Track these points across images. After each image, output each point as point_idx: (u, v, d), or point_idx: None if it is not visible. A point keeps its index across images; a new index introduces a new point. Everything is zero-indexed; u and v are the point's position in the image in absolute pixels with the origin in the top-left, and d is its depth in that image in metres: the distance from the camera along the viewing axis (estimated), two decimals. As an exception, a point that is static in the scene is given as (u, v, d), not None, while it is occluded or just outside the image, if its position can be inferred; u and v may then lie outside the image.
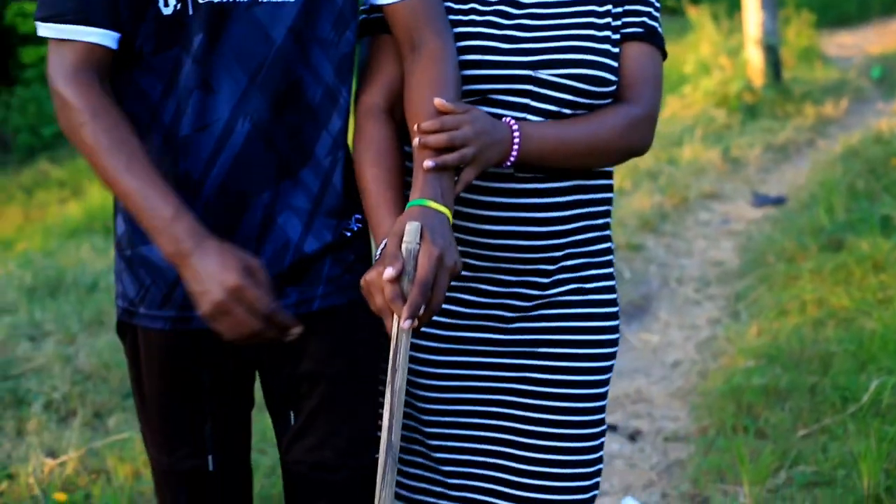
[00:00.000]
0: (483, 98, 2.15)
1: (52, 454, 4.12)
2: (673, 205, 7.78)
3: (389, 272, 1.84)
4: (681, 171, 8.51)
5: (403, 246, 1.87)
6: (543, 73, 2.13)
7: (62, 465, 4.00)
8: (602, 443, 2.33)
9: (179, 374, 2.21)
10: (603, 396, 2.31)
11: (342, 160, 2.19)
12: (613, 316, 2.32)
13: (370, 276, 1.89)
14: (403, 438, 2.30)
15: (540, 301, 2.24)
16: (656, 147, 8.01)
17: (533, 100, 2.14)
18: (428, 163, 1.96)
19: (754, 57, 11.06)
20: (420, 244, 1.87)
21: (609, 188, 2.30)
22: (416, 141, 2.01)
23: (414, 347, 2.24)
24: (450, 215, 1.94)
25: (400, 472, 2.38)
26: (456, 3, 2.19)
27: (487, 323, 2.25)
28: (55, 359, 5.04)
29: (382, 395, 2.10)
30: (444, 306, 2.22)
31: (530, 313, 2.24)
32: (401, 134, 2.16)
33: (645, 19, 2.22)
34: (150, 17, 2.02)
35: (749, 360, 4.87)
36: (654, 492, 4.00)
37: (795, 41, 12.86)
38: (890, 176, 7.21)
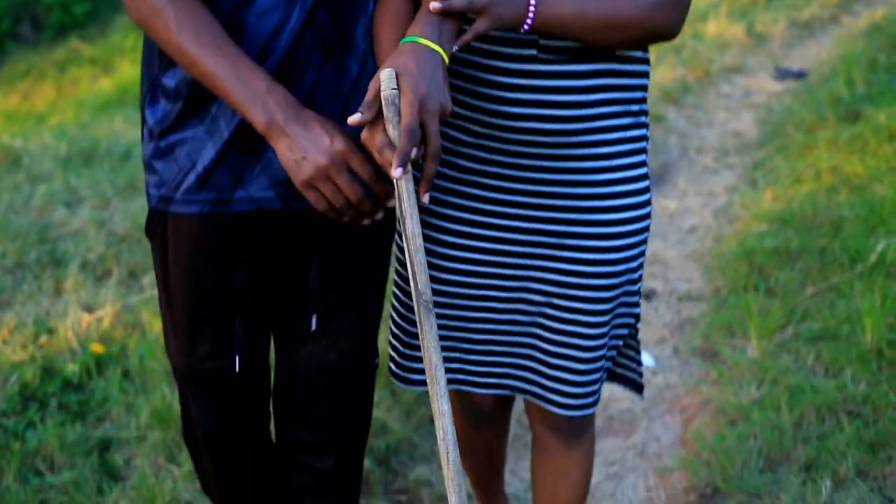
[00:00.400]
0: None
1: (89, 310, 4.28)
2: (696, 78, 7.82)
3: (355, 117, 1.82)
4: (704, 46, 8.53)
5: (381, 94, 1.83)
6: None
7: (99, 319, 4.16)
8: (618, 298, 2.32)
9: (211, 267, 2.21)
10: (625, 248, 2.26)
11: None
12: (642, 191, 2.26)
13: (363, 134, 1.88)
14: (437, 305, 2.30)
15: (561, 166, 2.18)
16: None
17: None
18: (434, 4, 1.91)
19: (781, -68, 10.94)
20: (398, 90, 1.83)
21: (643, 74, 2.22)
22: None
23: (434, 202, 2.26)
24: (445, 56, 1.90)
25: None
26: None
27: (507, 172, 2.20)
28: (90, 223, 5.18)
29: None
30: (463, 162, 2.22)
31: (542, 175, 2.19)
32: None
33: None
34: None
35: (763, 225, 4.98)
36: (666, 347, 4.14)
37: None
38: (912, 50, 7.25)
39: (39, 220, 5.28)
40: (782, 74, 7.90)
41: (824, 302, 4.14)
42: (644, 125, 2.26)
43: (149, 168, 2.20)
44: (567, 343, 2.30)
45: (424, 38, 1.89)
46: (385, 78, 1.82)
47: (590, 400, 2.38)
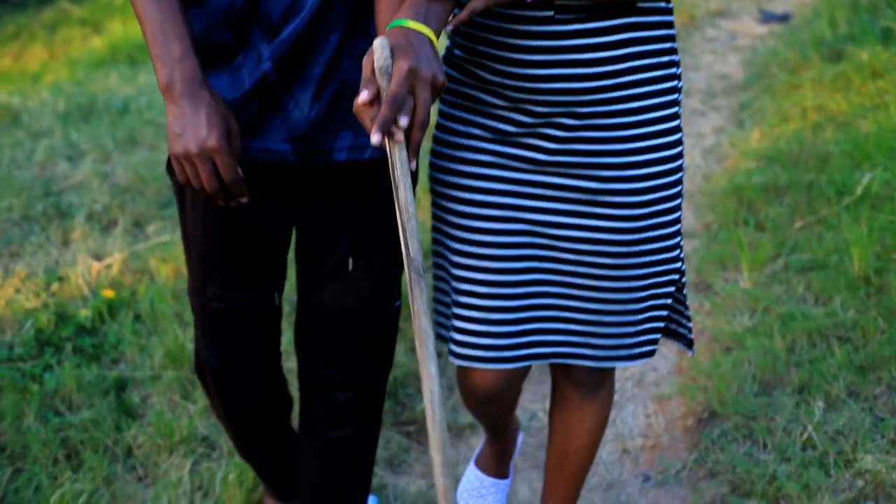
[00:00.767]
0: None
1: (98, 258, 4.38)
2: (681, 22, 7.89)
3: (363, 96, 1.80)
4: (689, -9, 8.61)
5: (375, 65, 1.81)
6: None
7: (108, 267, 4.27)
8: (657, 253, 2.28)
9: (220, 212, 2.23)
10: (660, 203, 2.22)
11: None
12: (675, 143, 2.23)
13: (355, 102, 1.84)
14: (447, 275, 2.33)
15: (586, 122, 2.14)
16: (664, -34, 8.04)
17: None
18: None
19: None
20: (392, 61, 1.81)
21: (668, 24, 2.17)
22: None
23: (454, 173, 2.26)
24: (432, 37, 1.88)
25: (441, 302, 2.42)
26: None
27: (531, 141, 2.19)
28: (93, 175, 5.27)
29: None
30: (504, 126, 2.19)
31: (575, 134, 2.15)
32: None
33: None
34: None
35: (751, 162, 5.08)
36: (659, 281, 4.23)
37: None
38: (894, -11, 7.32)
39: (42, 174, 5.35)
40: (767, 17, 7.99)
41: (812, 234, 4.25)
42: (676, 76, 2.21)
43: None
44: (597, 298, 2.27)
45: (410, 20, 1.89)
46: (378, 48, 1.82)
47: (623, 353, 2.36)
